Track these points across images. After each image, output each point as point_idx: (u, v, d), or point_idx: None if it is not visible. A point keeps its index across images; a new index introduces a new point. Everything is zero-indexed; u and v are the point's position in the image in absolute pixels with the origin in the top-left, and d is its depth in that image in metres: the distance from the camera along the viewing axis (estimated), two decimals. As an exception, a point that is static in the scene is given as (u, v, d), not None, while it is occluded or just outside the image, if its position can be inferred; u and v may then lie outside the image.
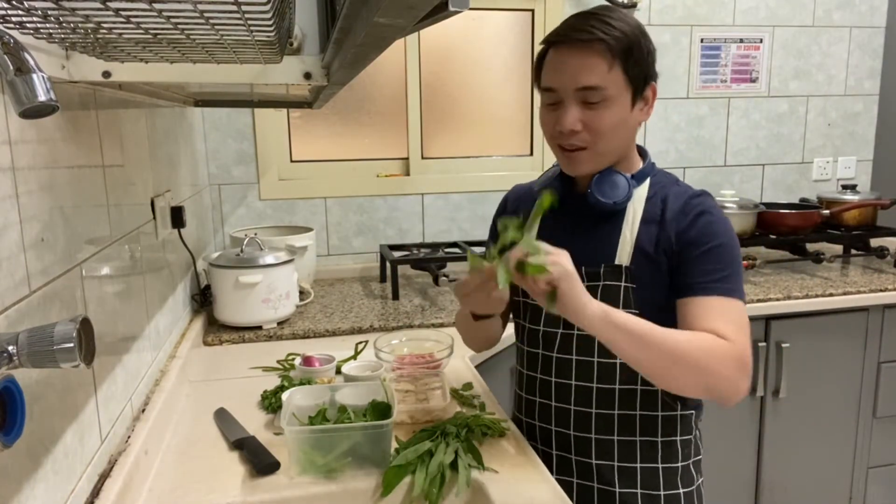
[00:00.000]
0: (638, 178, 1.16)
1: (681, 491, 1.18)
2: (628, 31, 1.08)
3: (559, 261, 0.95)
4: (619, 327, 0.98)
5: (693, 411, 1.19)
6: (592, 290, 1.08)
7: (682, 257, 1.09)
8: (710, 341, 1.01)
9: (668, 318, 1.07)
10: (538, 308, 1.21)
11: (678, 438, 1.17)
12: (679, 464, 1.18)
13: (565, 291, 0.95)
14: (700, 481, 1.22)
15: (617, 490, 1.17)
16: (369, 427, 1.11)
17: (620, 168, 1.16)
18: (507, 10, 2.53)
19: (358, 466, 1.11)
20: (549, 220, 1.11)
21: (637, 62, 1.09)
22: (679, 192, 1.14)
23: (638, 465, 1.17)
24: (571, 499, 1.16)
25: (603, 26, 1.07)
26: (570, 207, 1.19)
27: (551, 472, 1.14)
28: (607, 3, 1.15)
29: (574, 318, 0.97)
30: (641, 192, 1.15)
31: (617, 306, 1.07)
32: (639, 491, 1.16)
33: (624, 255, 1.13)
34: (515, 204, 1.31)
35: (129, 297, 1.22)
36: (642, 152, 1.21)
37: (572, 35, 1.08)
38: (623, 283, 1.12)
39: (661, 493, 1.17)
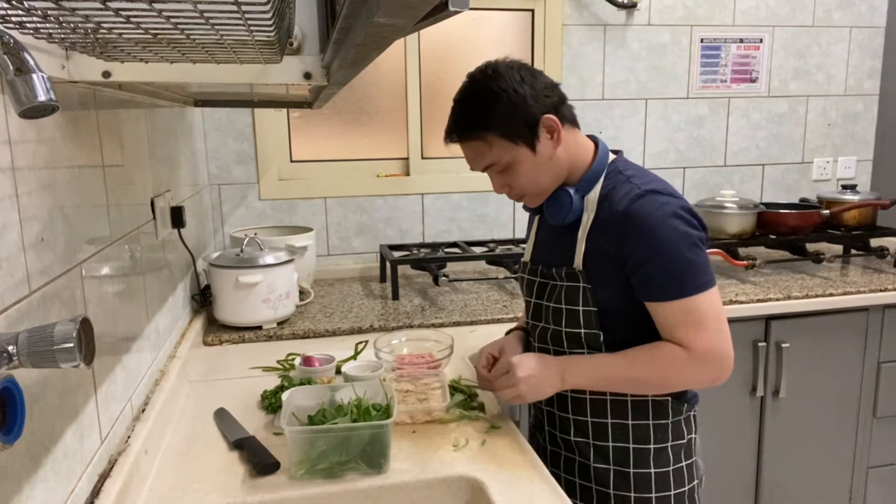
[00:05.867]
0: (585, 187, 1.23)
1: (652, 471, 1.23)
2: (489, 106, 1.17)
3: (518, 392, 1.19)
4: (582, 383, 1.19)
5: (669, 398, 1.23)
6: (557, 290, 1.25)
7: (631, 270, 1.16)
8: (668, 358, 1.14)
9: (634, 304, 1.18)
10: (527, 303, 1.36)
11: (651, 422, 1.23)
12: (651, 445, 1.23)
13: (528, 399, 1.20)
14: (685, 464, 1.26)
15: (591, 465, 1.27)
16: (369, 427, 1.11)
17: (571, 180, 1.25)
18: (507, 10, 2.53)
19: (358, 466, 1.11)
20: (540, 226, 1.36)
21: (512, 124, 1.17)
22: (624, 193, 1.17)
23: (610, 444, 1.25)
24: (559, 470, 1.31)
25: (466, 117, 1.20)
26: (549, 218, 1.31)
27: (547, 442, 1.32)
28: (494, 65, 1.23)
29: (547, 396, 1.22)
30: (593, 196, 1.22)
31: (577, 306, 1.22)
32: (611, 467, 1.25)
33: (579, 259, 1.22)
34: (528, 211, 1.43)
35: (129, 297, 1.22)
36: (598, 146, 1.27)
37: (451, 135, 1.23)
38: (581, 284, 1.21)
39: (631, 470, 1.24)
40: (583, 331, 1.22)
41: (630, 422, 1.23)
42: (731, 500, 2.16)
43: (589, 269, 1.20)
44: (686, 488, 1.25)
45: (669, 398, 1.23)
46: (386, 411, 1.15)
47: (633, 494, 1.23)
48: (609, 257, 1.17)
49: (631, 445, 1.23)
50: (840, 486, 2.24)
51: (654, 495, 1.23)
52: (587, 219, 1.21)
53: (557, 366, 1.18)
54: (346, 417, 1.14)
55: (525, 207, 1.37)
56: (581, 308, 1.21)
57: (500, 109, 1.16)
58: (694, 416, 1.29)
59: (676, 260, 1.13)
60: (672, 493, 1.24)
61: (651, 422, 1.23)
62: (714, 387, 1.22)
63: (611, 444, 1.24)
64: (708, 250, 2.28)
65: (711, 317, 1.14)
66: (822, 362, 2.14)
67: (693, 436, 1.28)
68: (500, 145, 1.18)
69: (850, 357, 2.16)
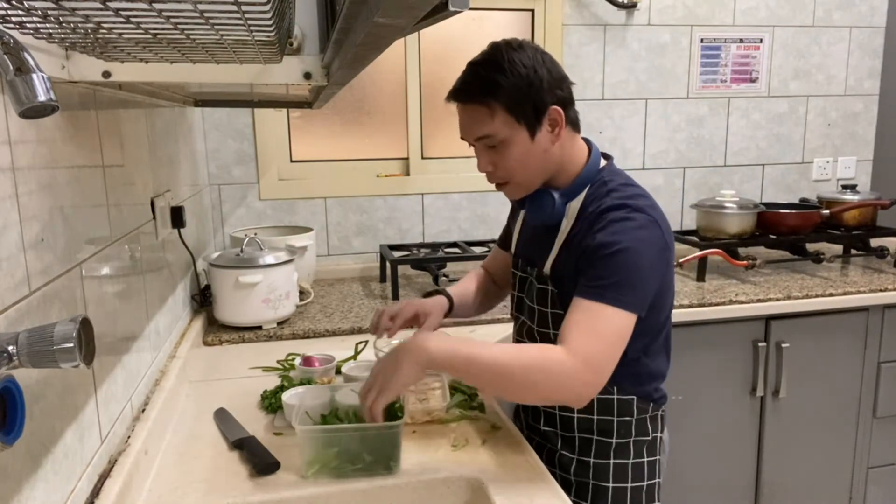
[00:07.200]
0: (571, 193, 1.22)
1: (611, 461, 1.25)
2: (506, 75, 1.13)
3: (378, 389, 1.06)
4: (447, 353, 1.06)
5: (634, 397, 1.23)
6: (532, 289, 1.27)
7: (580, 265, 1.14)
8: (541, 359, 1.06)
9: None
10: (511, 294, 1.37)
11: (615, 419, 1.24)
12: (614, 440, 1.25)
13: (391, 386, 1.05)
14: (647, 460, 1.27)
15: (558, 451, 1.29)
16: (382, 428, 1.10)
17: (558, 182, 1.23)
18: (507, 10, 2.53)
19: (368, 467, 1.10)
20: (524, 221, 1.36)
21: (521, 101, 1.14)
22: (604, 205, 1.16)
23: (576, 435, 1.27)
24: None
25: (479, 80, 1.16)
26: (528, 216, 1.30)
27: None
28: (520, 40, 1.19)
29: (406, 383, 1.07)
30: (575, 205, 1.22)
31: (546, 307, 1.23)
32: (575, 456, 1.27)
33: (549, 264, 1.23)
34: (514, 203, 1.43)
35: (129, 297, 1.22)
36: (591, 151, 1.25)
37: (457, 94, 1.19)
38: (549, 288, 1.22)
39: (591, 459, 1.26)
40: (551, 331, 1.23)
41: (595, 416, 1.24)
42: (731, 500, 2.17)
43: (557, 275, 1.20)
44: (644, 483, 1.26)
45: (635, 397, 1.23)
46: (400, 411, 1.15)
47: (591, 482, 1.26)
48: (575, 265, 1.16)
49: (595, 437, 1.25)
50: (840, 486, 2.24)
51: (610, 485, 1.25)
52: (566, 226, 1.21)
53: (422, 336, 1.09)
54: (362, 419, 1.14)
55: (512, 201, 1.36)
56: (550, 310, 1.22)
57: (516, 82, 1.13)
58: (661, 415, 1.29)
59: (628, 265, 1.09)
60: (629, 485, 1.25)
61: (616, 418, 1.24)
62: (658, 391, 1.26)
63: (576, 434, 1.27)
64: (708, 250, 2.28)
65: (612, 338, 1.08)
66: (822, 362, 2.14)
67: (658, 434, 1.28)
68: (502, 118, 1.15)
69: (850, 357, 2.16)
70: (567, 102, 1.19)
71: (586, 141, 1.27)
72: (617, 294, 1.08)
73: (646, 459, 1.27)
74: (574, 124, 1.23)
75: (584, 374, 1.05)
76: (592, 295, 1.09)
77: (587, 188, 1.21)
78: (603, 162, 1.26)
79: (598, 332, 1.07)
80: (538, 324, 1.25)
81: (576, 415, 1.25)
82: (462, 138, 1.23)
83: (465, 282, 1.57)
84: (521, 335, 1.33)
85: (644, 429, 1.26)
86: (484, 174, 1.24)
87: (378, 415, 1.06)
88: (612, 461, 1.25)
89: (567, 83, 1.20)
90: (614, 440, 1.25)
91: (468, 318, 1.60)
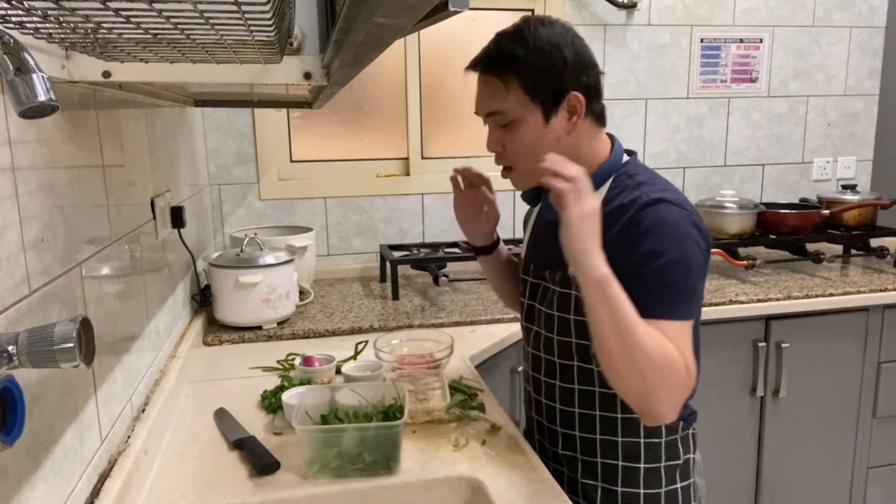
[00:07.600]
0: (594, 184, 1.11)
1: (641, 491, 1.15)
2: (527, 50, 1.07)
3: (572, 187, 0.97)
4: (597, 287, 0.96)
5: None
6: (549, 295, 1.18)
7: (628, 275, 1.01)
8: (671, 365, 0.97)
9: None
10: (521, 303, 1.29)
11: (642, 440, 1.14)
12: (642, 465, 1.15)
13: (569, 199, 0.97)
14: (680, 486, 1.17)
15: (579, 479, 1.19)
16: (382, 428, 1.10)
17: None
18: (507, 10, 2.53)
19: (368, 467, 1.10)
20: (537, 222, 1.27)
21: (540, 80, 1.08)
22: (634, 199, 1.07)
23: (598, 460, 1.16)
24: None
25: (499, 51, 1.10)
26: (545, 211, 1.22)
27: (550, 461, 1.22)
28: (552, 18, 1.14)
29: (573, 263, 0.98)
30: (598, 198, 1.12)
31: (569, 314, 1.14)
32: (599, 484, 1.17)
33: None
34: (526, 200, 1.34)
35: (128, 297, 1.22)
36: (614, 145, 1.17)
37: (476, 63, 1.13)
38: (572, 292, 1.12)
39: (619, 489, 1.16)
40: (574, 340, 1.13)
41: (620, 439, 1.14)
42: (731, 500, 2.16)
43: None
44: None
45: None
46: (400, 411, 1.15)
47: None
48: (610, 263, 1.06)
49: (620, 463, 1.15)
50: (840, 486, 2.24)
51: None
52: None
53: (601, 248, 0.99)
54: (362, 419, 1.14)
55: (523, 197, 1.28)
56: (573, 317, 1.13)
57: (536, 60, 1.07)
58: (692, 434, 1.19)
59: (679, 272, 1.02)
60: None
61: (642, 440, 1.14)
62: (688, 396, 1.10)
63: (599, 460, 1.16)
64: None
65: (694, 352, 1.03)
66: (822, 362, 2.14)
67: (690, 456, 1.19)
68: (517, 96, 1.08)
69: (850, 357, 2.16)
70: (591, 91, 1.11)
71: (610, 136, 1.18)
72: (683, 307, 1.02)
73: (679, 485, 1.16)
74: (598, 117, 1.14)
75: (681, 403, 1.00)
76: (667, 313, 1.01)
77: (611, 180, 1.13)
78: (626, 157, 1.17)
79: (693, 353, 1.02)
80: (558, 332, 1.15)
81: (598, 436, 1.15)
82: (475, 112, 1.17)
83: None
84: (538, 347, 1.22)
85: (675, 451, 1.16)
86: (491, 163, 1.17)
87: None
88: (642, 491, 1.14)
89: (595, 71, 1.12)
90: (642, 465, 1.14)
91: (497, 280, 1.45)
